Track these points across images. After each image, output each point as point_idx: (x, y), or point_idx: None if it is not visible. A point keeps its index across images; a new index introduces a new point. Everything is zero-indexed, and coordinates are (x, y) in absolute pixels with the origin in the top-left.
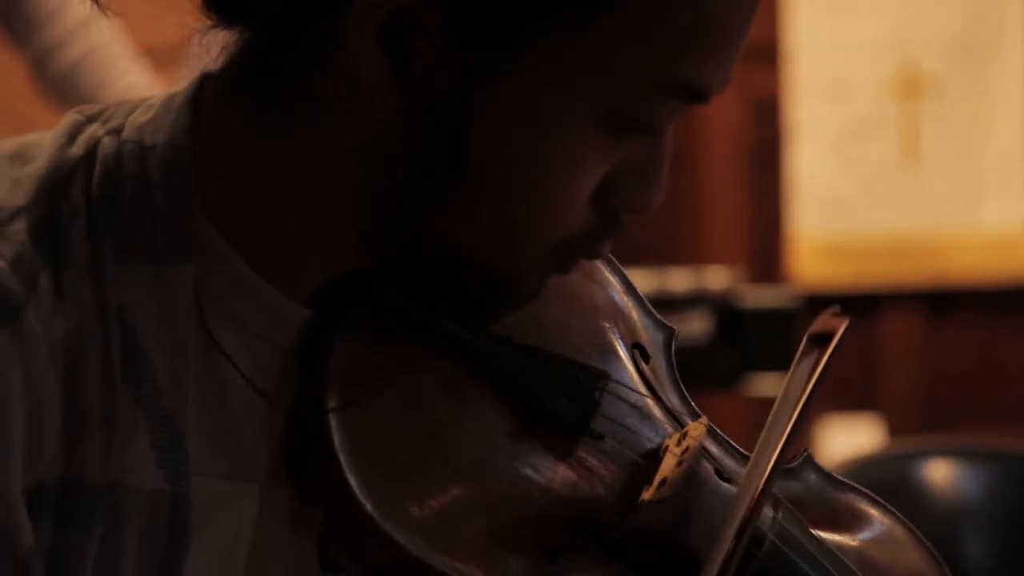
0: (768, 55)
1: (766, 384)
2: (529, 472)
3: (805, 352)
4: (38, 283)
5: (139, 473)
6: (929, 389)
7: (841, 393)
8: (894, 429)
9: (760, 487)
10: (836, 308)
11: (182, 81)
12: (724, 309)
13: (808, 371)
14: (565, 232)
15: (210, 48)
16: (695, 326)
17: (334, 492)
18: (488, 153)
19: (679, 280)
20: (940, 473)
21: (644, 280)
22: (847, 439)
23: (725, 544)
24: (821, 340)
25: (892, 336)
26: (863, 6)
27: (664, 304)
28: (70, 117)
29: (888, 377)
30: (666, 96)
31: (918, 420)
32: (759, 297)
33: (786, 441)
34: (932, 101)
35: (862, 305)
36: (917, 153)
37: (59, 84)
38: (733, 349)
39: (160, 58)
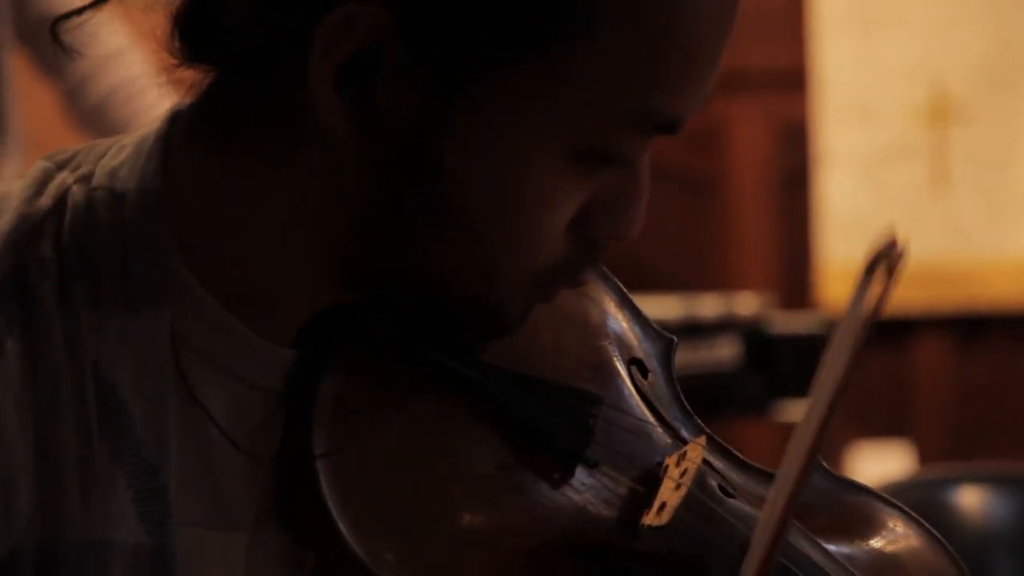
0: (797, 81)
1: (795, 410)
2: (527, 503)
3: (862, 283)
4: (4, 348)
5: (121, 529)
6: (959, 414)
7: (871, 419)
8: (924, 454)
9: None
10: (890, 232)
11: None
12: (753, 335)
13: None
14: (541, 263)
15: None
16: (724, 352)
17: (325, 537)
18: (458, 187)
19: (708, 306)
20: (970, 499)
21: (673, 306)
22: (877, 465)
23: (768, 531)
24: (876, 266)
25: (922, 361)
26: (892, 32)
27: (693, 330)
28: (39, 165)
29: (918, 402)
30: (634, 128)
31: (948, 445)
32: (788, 323)
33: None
34: (961, 126)
35: (892, 331)
36: (947, 179)
37: (92, 116)
38: (762, 375)
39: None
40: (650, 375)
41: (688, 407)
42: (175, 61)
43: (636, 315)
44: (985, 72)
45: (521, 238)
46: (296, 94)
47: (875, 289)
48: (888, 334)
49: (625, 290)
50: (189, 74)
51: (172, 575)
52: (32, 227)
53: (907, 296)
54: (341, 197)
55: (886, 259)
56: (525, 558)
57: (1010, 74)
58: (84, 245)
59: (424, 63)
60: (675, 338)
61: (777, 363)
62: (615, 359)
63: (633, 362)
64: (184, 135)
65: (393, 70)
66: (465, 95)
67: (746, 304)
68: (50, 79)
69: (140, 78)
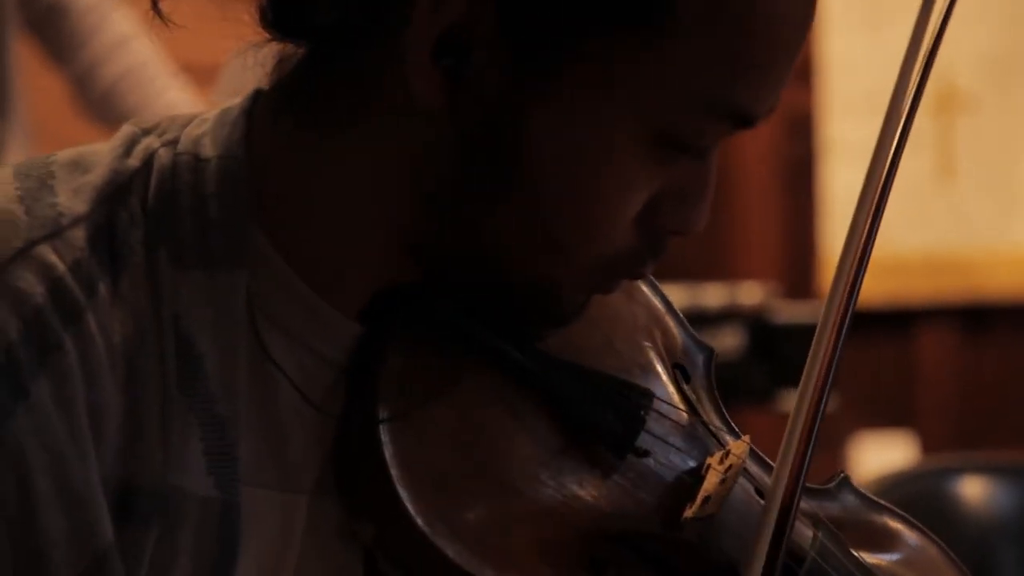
0: (802, 72)
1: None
2: (576, 487)
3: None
4: (97, 288)
5: (192, 479)
6: (963, 405)
7: (875, 409)
8: (928, 445)
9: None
10: None
11: (224, 97)
12: (757, 324)
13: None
14: (609, 250)
15: (262, 63)
16: (728, 341)
17: (385, 505)
18: (537, 165)
19: (712, 295)
20: (973, 490)
21: (678, 295)
22: (881, 455)
23: (768, 525)
24: None
25: (927, 352)
26: (898, 22)
27: (697, 319)
28: (126, 130)
29: (922, 393)
30: (715, 119)
31: (952, 436)
32: (792, 313)
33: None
34: (967, 117)
35: (897, 322)
36: (952, 169)
37: (101, 103)
38: (766, 364)
39: (200, 76)
40: (692, 381)
41: (727, 415)
42: (266, 38)
43: (680, 323)
44: (991, 63)
45: (593, 221)
46: (384, 69)
47: (934, 20)
48: (892, 324)
49: (669, 299)
50: (273, 50)
51: (237, 532)
52: (122, 182)
53: (911, 286)
54: (420, 173)
55: None
56: (571, 539)
57: (1016, 65)
58: (168, 205)
59: (516, 39)
60: (715, 348)
61: (781, 353)
62: (660, 361)
63: (677, 366)
64: (269, 110)
65: (487, 44)
66: (553, 73)
67: (750, 294)
68: (59, 67)
69: (148, 65)
